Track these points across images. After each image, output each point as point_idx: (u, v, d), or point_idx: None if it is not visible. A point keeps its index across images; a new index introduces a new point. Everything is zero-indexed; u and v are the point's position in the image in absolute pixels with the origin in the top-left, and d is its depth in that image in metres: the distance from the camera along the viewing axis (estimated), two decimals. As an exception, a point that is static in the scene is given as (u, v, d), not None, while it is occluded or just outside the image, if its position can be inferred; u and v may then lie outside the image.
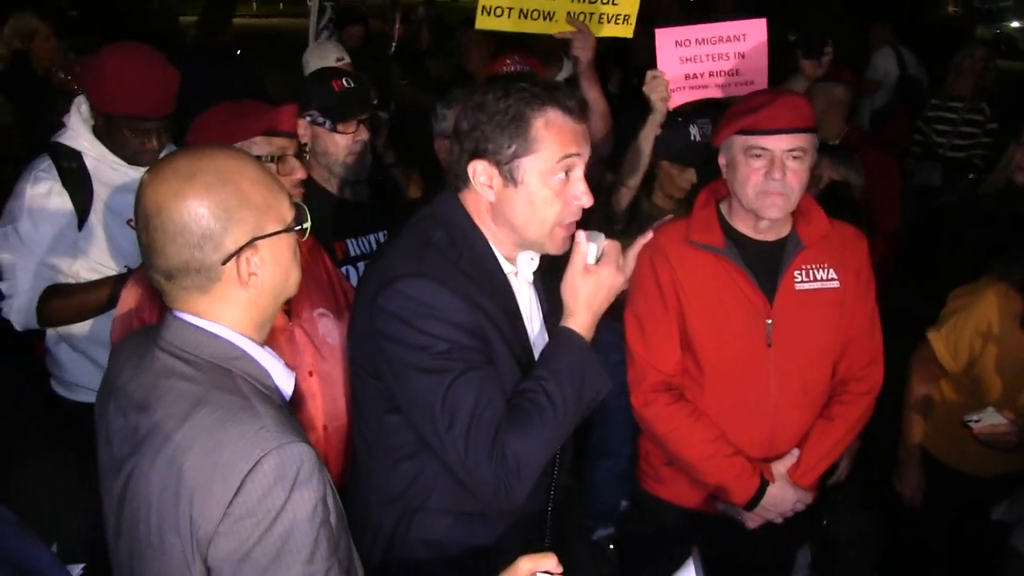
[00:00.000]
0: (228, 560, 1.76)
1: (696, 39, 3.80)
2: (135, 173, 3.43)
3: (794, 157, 2.96)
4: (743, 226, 3.16)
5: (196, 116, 2.98)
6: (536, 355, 2.50)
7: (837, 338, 3.17)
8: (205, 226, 1.82)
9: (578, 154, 2.37)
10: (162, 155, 3.39)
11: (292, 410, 2.05)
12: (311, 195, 3.18)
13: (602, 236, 2.47)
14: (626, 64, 7.25)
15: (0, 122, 5.97)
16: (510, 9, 3.99)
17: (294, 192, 2.91)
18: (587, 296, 2.41)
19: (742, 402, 3.14)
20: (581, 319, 2.42)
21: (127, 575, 1.95)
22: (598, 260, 2.45)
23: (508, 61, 4.88)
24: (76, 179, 3.44)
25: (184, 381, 1.86)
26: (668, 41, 3.80)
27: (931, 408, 3.81)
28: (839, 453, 3.31)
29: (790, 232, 3.15)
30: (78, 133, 3.50)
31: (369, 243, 3.61)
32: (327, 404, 2.91)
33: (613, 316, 2.72)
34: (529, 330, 2.53)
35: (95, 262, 3.46)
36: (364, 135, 3.56)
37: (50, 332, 3.65)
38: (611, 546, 4.93)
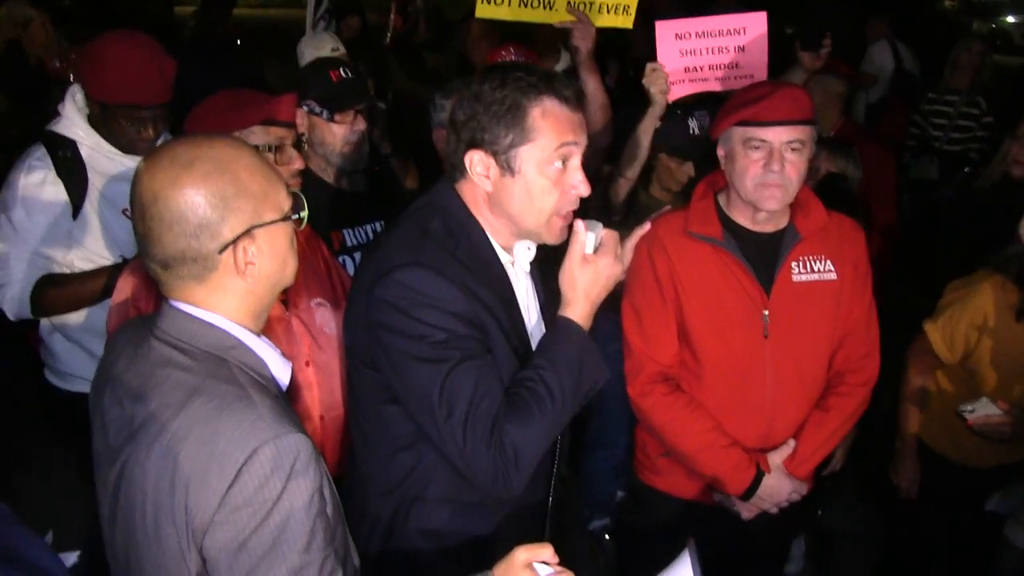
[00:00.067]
0: (224, 550, 1.76)
1: (696, 32, 3.80)
2: (131, 162, 3.42)
3: (793, 149, 2.96)
4: (741, 218, 3.15)
5: (195, 105, 2.97)
6: (533, 345, 2.49)
7: (834, 330, 3.17)
8: (202, 215, 1.81)
9: (575, 143, 2.36)
10: (158, 144, 3.39)
11: (289, 400, 2.05)
12: (308, 185, 3.17)
13: (600, 225, 2.47)
14: (624, 57, 7.24)
15: (-5, 111, 5.95)
16: None
17: (292, 182, 2.90)
18: (585, 286, 2.41)
19: (739, 393, 3.14)
20: (579, 309, 2.41)
21: (122, 565, 1.95)
22: (596, 250, 2.44)
23: (504, 53, 4.87)
24: (71, 168, 3.42)
25: (180, 371, 1.85)
26: (668, 34, 3.80)
27: (927, 400, 3.82)
28: (835, 444, 3.31)
29: (788, 224, 3.15)
30: (72, 122, 3.48)
31: (366, 233, 3.60)
32: (324, 394, 2.91)
33: (611, 307, 2.72)
34: (526, 320, 2.53)
35: (90, 252, 3.45)
36: (361, 125, 3.56)
37: (44, 322, 3.63)
38: (607, 537, 4.94)
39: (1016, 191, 4.08)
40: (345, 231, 3.55)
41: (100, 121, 3.45)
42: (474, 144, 2.35)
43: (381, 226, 3.61)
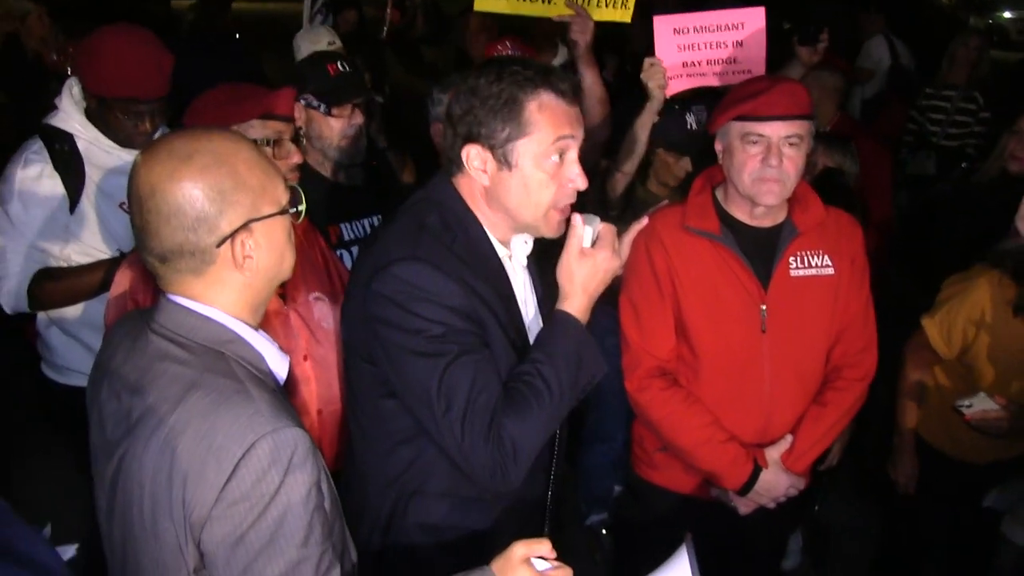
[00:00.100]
0: (222, 545, 1.76)
1: (694, 27, 3.80)
2: (128, 156, 3.41)
3: (791, 144, 2.96)
4: (739, 212, 3.15)
5: (193, 99, 2.97)
6: (531, 339, 2.49)
7: (832, 325, 3.18)
8: (200, 208, 1.81)
9: (572, 136, 2.36)
10: (155, 137, 3.38)
11: (286, 394, 2.05)
12: (305, 179, 3.16)
13: (597, 219, 2.47)
14: (621, 51, 7.24)
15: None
16: None
17: (290, 176, 2.89)
18: (583, 279, 2.41)
19: (736, 388, 3.14)
20: (577, 302, 2.42)
21: (120, 559, 1.95)
22: (594, 243, 2.45)
23: (500, 47, 4.87)
24: (68, 162, 3.41)
25: (178, 364, 1.85)
26: (666, 29, 3.80)
27: (925, 395, 3.82)
28: (832, 439, 3.32)
29: (786, 219, 3.15)
30: (70, 115, 3.47)
31: (363, 227, 3.60)
32: (321, 388, 2.91)
33: (608, 301, 2.72)
34: (524, 314, 2.53)
35: (87, 245, 3.44)
36: (359, 119, 3.55)
37: (41, 315, 3.63)
38: (604, 531, 4.94)
39: (1014, 186, 4.08)
40: (343, 225, 3.55)
41: (97, 115, 3.45)
42: (471, 138, 2.35)
43: (378, 220, 3.60)
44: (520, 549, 1.95)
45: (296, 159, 2.97)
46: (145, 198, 1.81)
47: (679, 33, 3.79)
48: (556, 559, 1.99)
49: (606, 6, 3.98)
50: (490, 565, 1.96)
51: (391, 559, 2.49)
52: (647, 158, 4.08)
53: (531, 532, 2.10)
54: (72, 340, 3.59)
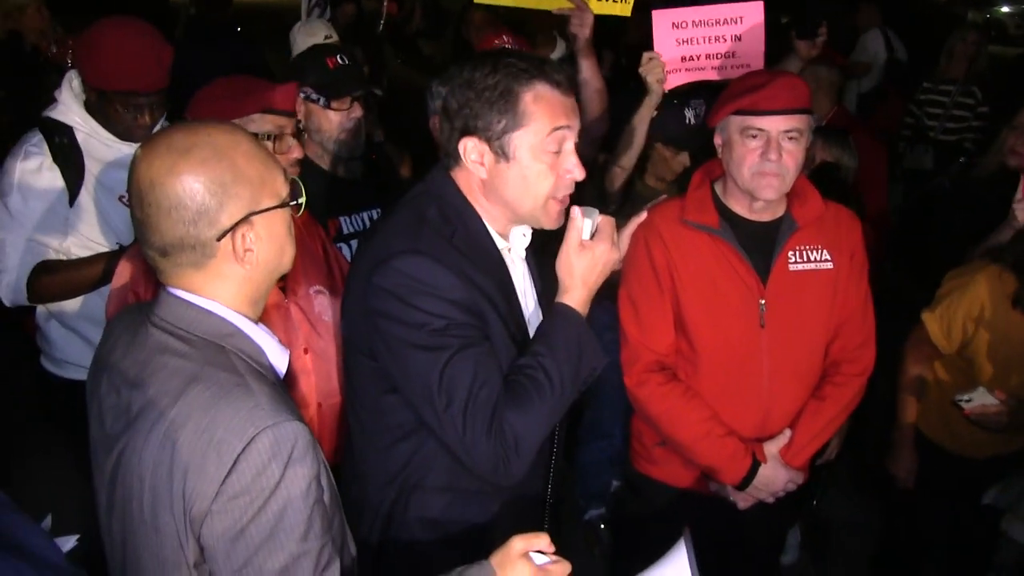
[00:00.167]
0: (222, 539, 1.76)
1: (693, 21, 3.80)
2: (127, 149, 3.41)
3: (790, 138, 2.96)
4: (738, 206, 3.16)
5: (194, 91, 2.97)
6: (530, 331, 2.50)
7: (830, 319, 3.18)
8: (200, 201, 1.81)
9: (568, 126, 2.37)
10: (155, 131, 3.38)
11: (286, 388, 2.05)
12: (304, 172, 3.15)
13: (596, 212, 2.48)
14: (617, 44, 7.23)
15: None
16: None
17: (290, 171, 2.89)
18: (582, 272, 2.42)
19: (735, 382, 3.14)
20: (577, 295, 2.42)
21: (119, 553, 1.95)
22: (593, 236, 2.45)
23: (497, 41, 4.86)
24: (67, 155, 3.41)
25: (178, 358, 1.85)
26: (665, 23, 3.80)
27: (925, 389, 3.82)
28: (830, 434, 3.32)
29: (785, 213, 3.15)
30: (69, 108, 3.46)
31: (363, 221, 3.60)
32: (321, 381, 2.91)
33: (606, 296, 2.73)
34: (523, 306, 2.53)
35: (86, 238, 3.44)
36: (358, 112, 3.56)
37: (40, 309, 3.62)
38: (603, 526, 4.94)
39: (1012, 181, 4.08)
40: (342, 219, 3.55)
41: (97, 108, 3.44)
42: (467, 131, 2.35)
43: (378, 214, 3.60)
44: (519, 543, 1.95)
45: (297, 154, 2.97)
46: (145, 192, 1.81)
47: (678, 27, 3.79)
48: (555, 553, 1.99)
49: (606, 0, 3.98)
50: (489, 559, 1.96)
51: (391, 553, 2.50)
52: (645, 152, 4.08)
53: (530, 526, 2.10)
54: (71, 333, 3.59)
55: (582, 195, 2.54)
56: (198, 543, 1.79)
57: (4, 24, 5.54)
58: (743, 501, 3.23)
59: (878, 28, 8.87)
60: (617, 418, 4.47)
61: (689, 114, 4.07)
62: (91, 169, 3.43)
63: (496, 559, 1.95)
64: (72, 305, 3.52)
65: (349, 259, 3.24)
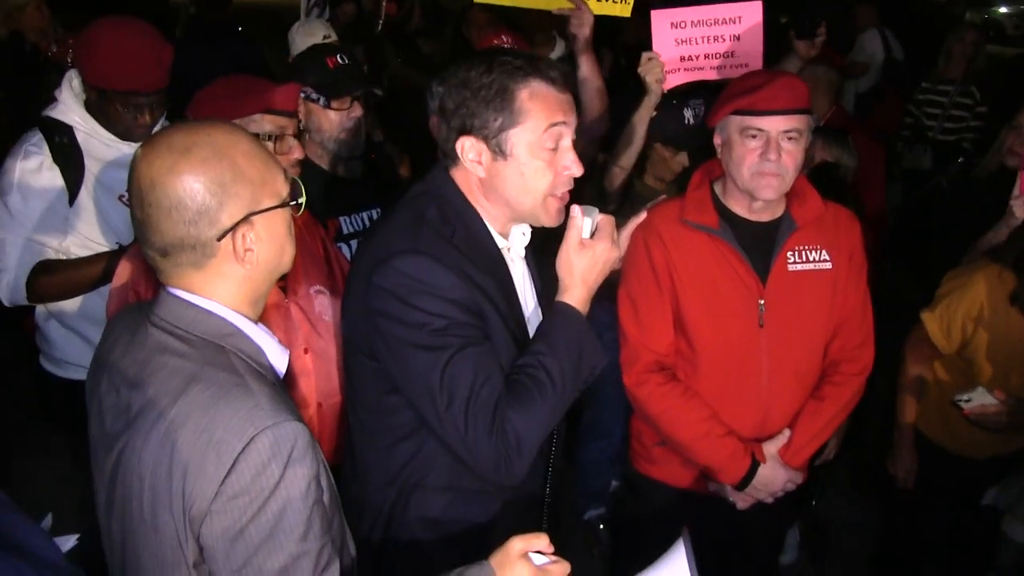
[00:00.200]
0: (221, 539, 1.76)
1: (692, 21, 3.80)
2: (127, 148, 3.42)
3: (789, 138, 2.97)
4: (737, 206, 3.16)
5: (195, 90, 2.97)
6: (530, 330, 2.50)
7: (829, 319, 3.18)
8: (201, 201, 1.81)
9: (564, 122, 2.37)
10: (155, 130, 3.38)
11: (286, 388, 2.05)
12: (304, 172, 3.15)
13: (596, 211, 2.48)
14: (614, 43, 7.23)
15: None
16: None
17: (291, 172, 2.89)
18: (583, 271, 2.42)
19: (735, 382, 3.15)
20: (577, 294, 2.42)
21: (119, 552, 1.95)
22: (593, 234, 2.45)
23: (496, 41, 4.86)
24: (67, 154, 3.41)
25: (177, 358, 1.85)
26: (664, 23, 3.80)
27: (924, 389, 3.82)
28: (829, 433, 3.32)
29: (784, 213, 3.15)
30: (69, 107, 3.46)
31: (362, 220, 3.60)
32: (321, 381, 2.91)
33: (606, 296, 2.73)
34: (523, 306, 2.53)
35: (86, 238, 3.44)
36: (358, 112, 3.56)
37: (40, 308, 3.62)
38: (602, 526, 4.94)
39: (1012, 181, 4.08)
40: (342, 218, 3.55)
41: (97, 107, 3.44)
42: (465, 130, 2.36)
43: (378, 213, 3.60)
44: (518, 544, 1.95)
45: (297, 155, 2.97)
46: (146, 192, 1.81)
47: (676, 27, 3.80)
48: (554, 554, 1.99)
49: (606, 0, 3.98)
50: (489, 560, 1.96)
51: (391, 553, 2.50)
52: (644, 152, 4.08)
53: (529, 526, 2.10)
54: (71, 333, 3.58)
55: (582, 195, 2.54)
56: (197, 543, 1.79)
57: (6, 25, 5.53)
58: (742, 501, 3.23)
59: (875, 28, 8.87)
60: (617, 418, 4.47)
61: (688, 114, 4.06)
62: (91, 168, 3.43)
63: (495, 559, 1.96)
64: (71, 305, 3.52)
65: (349, 259, 3.24)
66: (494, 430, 2.23)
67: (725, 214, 3.15)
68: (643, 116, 3.84)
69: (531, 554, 1.96)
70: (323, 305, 2.94)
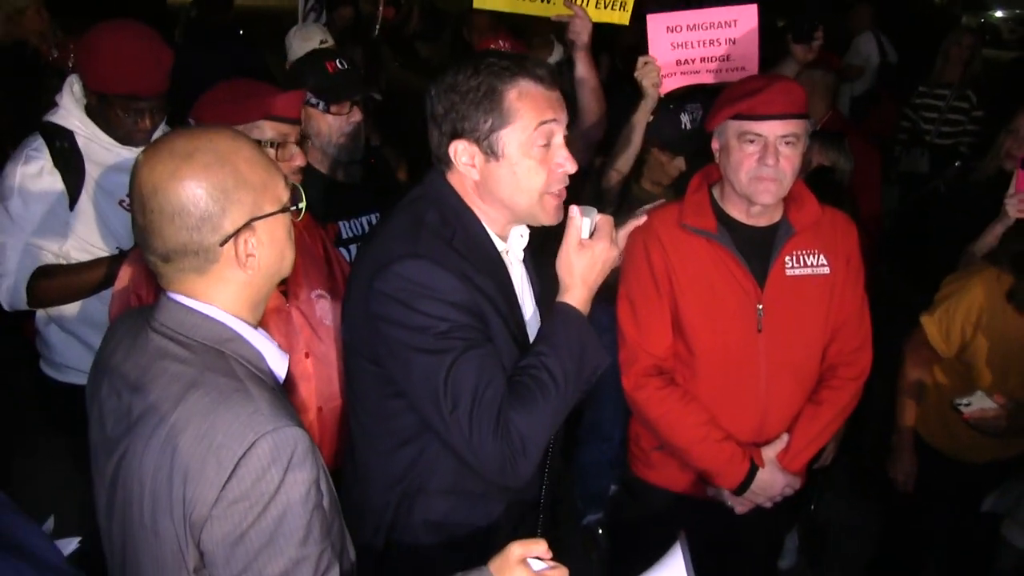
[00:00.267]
0: (222, 544, 1.76)
1: (687, 25, 3.81)
2: (128, 153, 3.42)
3: (787, 143, 2.97)
4: (735, 211, 3.16)
5: (195, 94, 2.97)
6: (530, 332, 2.51)
7: (827, 324, 3.19)
8: (203, 207, 1.81)
9: (555, 120, 2.37)
10: (156, 135, 3.39)
11: (286, 393, 2.05)
12: (304, 176, 3.16)
13: (595, 211, 2.48)
14: (611, 47, 7.25)
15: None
16: None
17: (292, 178, 2.89)
18: (582, 271, 2.42)
19: (733, 387, 3.15)
20: (577, 294, 2.42)
21: (119, 557, 1.96)
22: (592, 234, 2.46)
23: (493, 45, 4.87)
24: (68, 159, 3.40)
25: (178, 363, 1.86)
26: (659, 27, 3.80)
27: (923, 393, 3.83)
28: (828, 438, 3.33)
29: (782, 218, 3.16)
30: (70, 112, 3.46)
31: (362, 225, 3.59)
32: (322, 385, 2.90)
33: (605, 298, 2.73)
34: (522, 308, 2.54)
35: (86, 242, 3.43)
36: (357, 116, 3.56)
37: (40, 313, 3.62)
38: (600, 531, 4.95)
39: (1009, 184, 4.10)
40: (341, 223, 3.55)
41: (97, 112, 3.44)
42: (456, 134, 2.36)
43: (377, 218, 3.59)
44: (517, 549, 1.96)
45: (299, 162, 2.96)
46: (148, 198, 1.81)
47: (672, 31, 3.80)
48: (552, 559, 1.99)
49: (604, 7, 3.98)
50: (488, 565, 1.97)
51: (394, 557, 2.50)
52: (641, 156, 4.08)
53: (527, 529, 2.11)
54: (71, 338, 3.58)
55: (579, 197, 2.54)
56: (198, 548, 1.79)
57: (7, 31, 5.53)
58: (740, 505, 3.24)
59: (870, 31, 8.88)
60: (618, 420, 4.46)
61: (685, 119, 4.07)
62: (91, 173, 3.43)
63: (495, 565, 1.96)
64: (72, 309, 3.52)
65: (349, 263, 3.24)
66: (498, 432, 2.23)
67: (723, 218, 3.16)
68: (640, 120, 3.85)
69: (530, 559, 1.96)
70: (324, 309, 2.94)
